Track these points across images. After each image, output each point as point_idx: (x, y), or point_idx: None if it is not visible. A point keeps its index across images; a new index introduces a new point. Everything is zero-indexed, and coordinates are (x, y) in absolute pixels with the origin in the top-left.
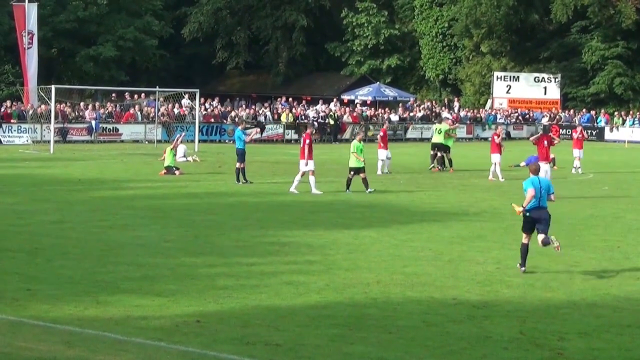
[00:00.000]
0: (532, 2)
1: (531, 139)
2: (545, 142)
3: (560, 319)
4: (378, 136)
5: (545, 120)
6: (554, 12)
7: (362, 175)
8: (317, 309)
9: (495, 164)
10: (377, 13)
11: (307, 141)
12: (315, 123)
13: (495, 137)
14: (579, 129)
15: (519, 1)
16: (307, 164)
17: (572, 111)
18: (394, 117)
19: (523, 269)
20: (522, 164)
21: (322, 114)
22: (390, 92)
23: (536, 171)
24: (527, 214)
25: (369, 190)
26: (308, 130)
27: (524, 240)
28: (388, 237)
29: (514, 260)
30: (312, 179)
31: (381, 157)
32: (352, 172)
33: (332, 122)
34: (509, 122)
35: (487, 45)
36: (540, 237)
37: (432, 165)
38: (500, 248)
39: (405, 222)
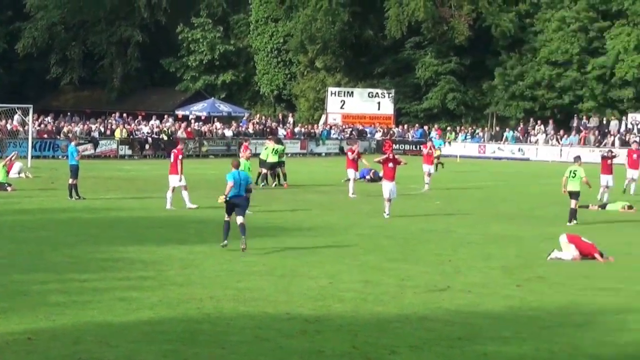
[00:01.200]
0: (367, 18)
1: (375, 160)
2: (391, 164)
3: (392, 333)
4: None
5: (378, 136)
6: (389, 28)
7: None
8: (150, 324)
9: (351, 179)
10: (213, 29)
11: (180, 156)
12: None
13: (350, 154)
14: (429, 144)
15: (353, 17)
16: (180, 180)
17: (405, 126)
18: (228, 133)
19: (224, 242)
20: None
21: (156, 129)
22: (224, 108)
23: (237, 166)
24: (228, 199)
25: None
26: (180, 146)
27: (226, 219)
28: (222, 252)
29: (347, 275)
30: (185, 193)
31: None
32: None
33: (165, 137)
34: (342, 137)
35: (322, 61)
36: (239, 219)
37: (276, 183)
38: (333, 262)
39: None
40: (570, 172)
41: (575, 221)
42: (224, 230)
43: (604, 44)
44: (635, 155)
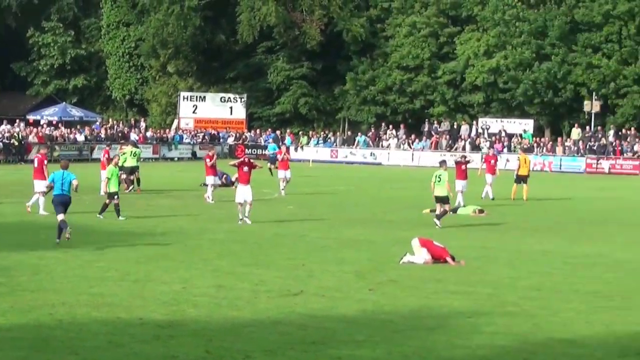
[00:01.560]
0: (219, 23)
1: (230, 163)
2: (245, 168)
3: (246, 337)
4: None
5: (231, 140)
6: (240, 32)
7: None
8: (1, 331)
9: (210, 185)
10: (64, 33)
11: (45, 161)
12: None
13: (208, 160)
14: (283, 148)
15: (205, 22)
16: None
17: (258, 131)
18: (80, 137)
19: (57, 241)
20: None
21: (7, 134)
22: (76, 112)
23: (65, 167)
24: (52, 198)
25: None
26: (43, 151)
27: (59, 219)
28: (74, 257)
29: (201, 280)
30: (41, 199)
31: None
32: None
33: (16, 142)
34: (195, 142)
35: (174, 66)
36: (59, 217)
37: (132, 188)
38: (187, 268)
39: (91, 242)
40: (436, 176)
41: (438, 223)
42: (57, 229)
43: (454, 49)
44: (492, 161)
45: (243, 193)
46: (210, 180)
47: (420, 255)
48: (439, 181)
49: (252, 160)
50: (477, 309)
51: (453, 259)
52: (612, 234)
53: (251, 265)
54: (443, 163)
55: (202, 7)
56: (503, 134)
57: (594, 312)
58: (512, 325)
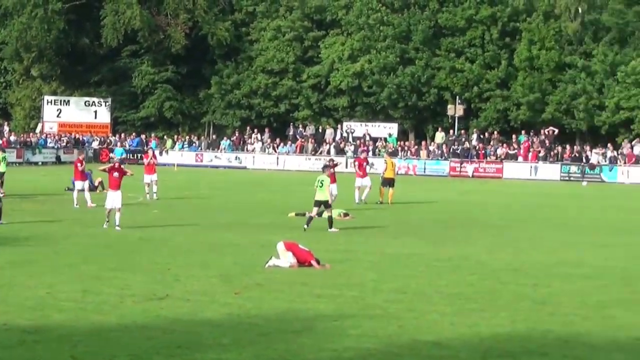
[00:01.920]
0: (83, 26)
1: (100, 168)
2: (116, 173)
3: (112, 342)
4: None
5: (95, 145)
6: (105, 36)
7: None
8: None
9: (76, 190)
10: None
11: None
12: None
13: (79, 165)
14: (150, 152)
15: (69, 25)
16: None
17: (122, 135)
18: None
19: None
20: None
21: None
22: None
23: None
24: None
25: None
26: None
27: None
28: None
29: (66, 285)
30: None
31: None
32: None
33: None
34: (59, 146)
35: (38, 69)
36: None
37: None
38: (52, 272)
39: None
40: (319, 181)
41: (306, 227)
42: None
43: (319, 53)
44: (365, 164)
45: (112, 199)
46: (79, 185)
47: (285, 259)
48: (320, 186)
49: (123, 167)
50: (343, 312)
51: (318, 262)
52: (476, 237)
53: (116, 270)
54: (326, 168)
55: (66, 11)
56: (367, 137)
57: (458, 314)
58: (378, 327)
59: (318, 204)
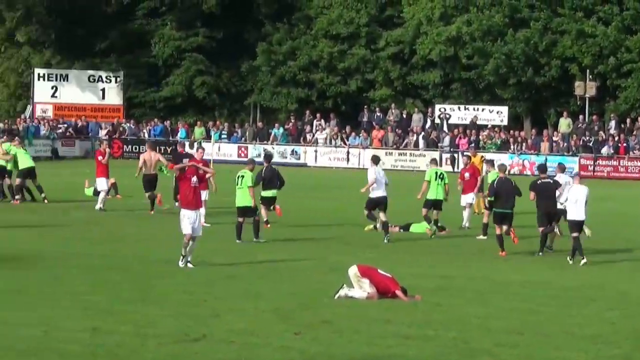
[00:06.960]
0: None
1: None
2: (194, 179)
3: None
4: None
5: (103, 134)
6: None
7: None
8: None
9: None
10: None
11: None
12: None
13: (100, 157)
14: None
15: None
16: None
17: (139, 121)
18: None
19: None
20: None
21: None
22: None
23: None
24: None
25: None
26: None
27: None
28: None
29: (69, 321)
30: None
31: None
32: None
33: None
34: (56, 135)
35: (25, 33)
36: None
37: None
38: (50, 305)
39: None
40: (437, 174)
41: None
42: None
43: (400, 12)
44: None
45: (192, 221)
46: (102, 184)
47: (361, 289)
48: (440, 181)
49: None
50: (440, 359)
51: (405, 292)
52: (614, 259)
53: (135, 302)
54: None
55: None
56: (473, 125)
57: None
58: None
59: (434, 205)
